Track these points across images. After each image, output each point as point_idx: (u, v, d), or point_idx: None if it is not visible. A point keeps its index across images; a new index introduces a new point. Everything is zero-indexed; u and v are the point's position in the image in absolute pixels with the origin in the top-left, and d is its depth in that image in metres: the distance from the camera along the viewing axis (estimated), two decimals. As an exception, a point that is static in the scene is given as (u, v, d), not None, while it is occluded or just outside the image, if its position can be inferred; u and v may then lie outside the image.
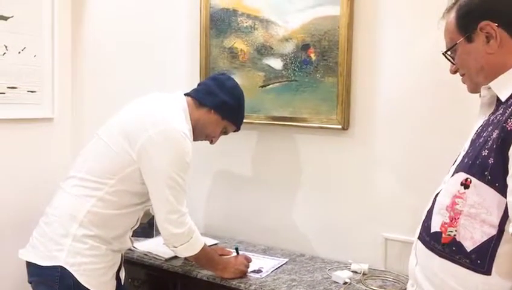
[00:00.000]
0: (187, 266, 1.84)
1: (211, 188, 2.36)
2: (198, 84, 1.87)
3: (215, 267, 1.76)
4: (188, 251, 1.66)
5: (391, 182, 1.88)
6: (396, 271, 1.82)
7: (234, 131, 1.88)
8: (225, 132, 1.85)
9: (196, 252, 1.67)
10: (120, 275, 1.70)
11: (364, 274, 1.80)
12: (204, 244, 1.71)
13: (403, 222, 1.83)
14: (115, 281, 1.65)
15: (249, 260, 1.83)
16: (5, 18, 1.96)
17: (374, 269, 1.85)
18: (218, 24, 2.20)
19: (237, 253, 1.89)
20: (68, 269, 1.51)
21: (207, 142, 1.86)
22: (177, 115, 1.65)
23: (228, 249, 1.98)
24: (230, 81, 1.82)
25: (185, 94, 1.77)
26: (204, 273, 1.78)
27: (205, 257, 1.73)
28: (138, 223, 1.75)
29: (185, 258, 1.82)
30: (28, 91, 2.06)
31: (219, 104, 1.75)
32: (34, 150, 2.06)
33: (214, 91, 1.75)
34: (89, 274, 1.54)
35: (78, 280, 1.52)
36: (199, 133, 1.76)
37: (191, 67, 2.30)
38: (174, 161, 1.58)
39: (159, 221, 1.61)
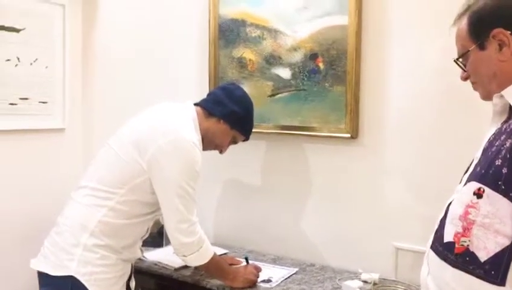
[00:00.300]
0: (196, 276, 1.84)
1: (220, 197, 2.36)
2: (208, 94, 1.88)
3: (225, 277, 1.75)
4: (197, 260, 1.67)
5: (401, 191, 1.87)
6: (408, 281, 1.80)
7: (243, 140, 1.88)
8: (234, 142, 1.86)
9: (206, 261, 1.67)
10: (130, 284, 1.71)
11: (374, 284, 1.78)
12: (214, 253, 1.72)
13: (414, 232, 1.81)
14: (125, 291, 1.66)
15: (258, 270, 1.82)
16: (17, 30, 2.00)
17: (385, 279, 1.83)
18: (227, 34, 2.22)
19: (247, 262, 1.89)
20: (79, 278, 1.52)
21: (216, 152, 1.87)
22: (187, 124, 1.66)
23: (238, 259, 1.98)
24: (239, 90, 1.83)
25: (194, 104, 1.79)
26: (214, 283, 1.78)
27: (215, 266, 1.73)
28: (148, 233, 1.76)
29: (195, 268, 1.83)
30: (40, 102, 2.09)
31: (228, 114, 1.75)
32: (45, 160, 2.09)
33: (222, 101, 1.76)
34: (99, 284, 1.55)
35: (89, 289, 1.52)
36: (208, 142, 1.77)
37: (200, 77, 2.32)
38: (184, 170, 1.59)
39: (169, 230, 1.62)
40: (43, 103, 2.10)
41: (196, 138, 1.65)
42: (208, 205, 2.35)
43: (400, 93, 1.85)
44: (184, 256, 1.64)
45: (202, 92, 2.23)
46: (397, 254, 1.87)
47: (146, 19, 2.37)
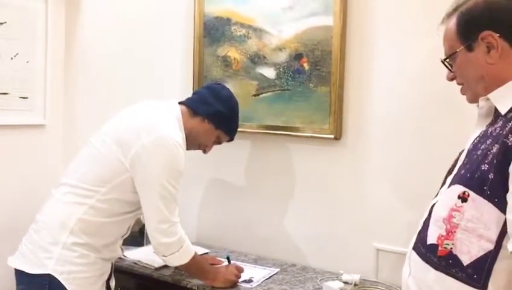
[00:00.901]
0: (177, 276, 1.82)
1: (203, 196, 2.35)
2: (193, 93, 1.87)
3: (205, 276, 1.75)
4: (177, 260, 1.65)
5: (383, 192, 1.88)
6: (388, 282, 1.81)
7: (228, 141, 1.88)
8: (218, 142, 1.85)
9: (186, 261, 1.66)
10: (110, 284, 1.69)
11: (355, 285, 1.79)
12: (195, 253, 1.70)
13: (395, 233, 1.83)
14: (105, 290, 1.63)
15: (240, 270, 1.82)
16: (-2, 24, 1.96)
17: (365, 280, 1.84)
18: (212, 32, 2.20)
19: (229, 262, 1.88)
20: (57, 277, 1.50)
21: (200, 151, 1.86)
22: (171, 123, 1.64)
23: (219, 259, 1.97)
24: (225, 90, 1.82)
25: (179, 102, 1.77)
26: (195, 283, 1.77)
27: (195, 266, 1.72)
28: (129, 232, 1.74)
29: (175, 267, 1.81)
30: (20, 97, 2.05)
31: (213, 114, 1.74)
32: (25, 157, 2.05)
33: (208, 100, 1.75)
34: (78, 283, 1.52)
35: (67, 288, 1.50)
36: (192, 142, 1.75)
37: (185, 75, 2.30)
38: (166, 169, 1.57)
39: (149, 230, 1.60)
40: (24, 98, 2.06)
41: (180, 137, 1.63)
42: (190, 205, 2.33)
43: (384, 95, 1.86)
44: (164, 256, 1.63)
45: (186, 90, 2.22)
46: (378, 255, 1.88)
47: (130, 15, 2.34)
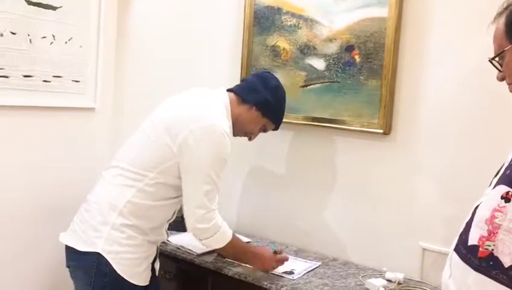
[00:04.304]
0: (218, 263, 1.84)
1: (245, 185, 2.35)
2: (242, 81, 1.87)
3: (244, 259, 1.78)
4: (213, 244, 1.68)
5: (431, 190, 1.83)
6: (433, 282, 1.76)
7: (273, 130, 1.88)
8: (264, 130, 1.85)
9: (222, 245, 1.68)
10: (155, 266, 1.72)
11: (399, 284, 1.75)
12: (233, 237, 1.70)
13: (442, 232, 1.78)
14: (150, 273, 1.66)
15: (279, 263, 1.80)
16: (54, 8, 2.00)
17: (410, 279, 1.80)
18: (262, 21, 2.19)
19: (275, 253, 1.86)
20: (105, 256, 1.54)
21: (244, 139, 1.86)
22: (219, 111, 1.65)
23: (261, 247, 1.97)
24: (274, 80, 1.82)
25: (228, 90, 1.78)
26: (236, 271, 1.78)
27: (232, 249, 1.73)
28: (174, 216, 1.77)
29: (218, 255, 1.85)
30: (72, 81, 2.10)
31: (261, 102, 1.75)
32: (76, 138, 2.11)
33: (257, 88, 1.76)
34: (124, 263, 1.56)
35: (114, 268, 1.54)
36: (239, 129, 1.77)
37: (233, 64, 2.30)
38: (213, 157, 1.59)
39: (185, 213, 1.63)
40: (76, 81, 2.11)
41: (227, 126, 1.64)
42: (232, 193, 2.35)
43: (437, 91, 1.80)
44: (200, 239, 1.66)
45: (234, 78, 2.22)
46: (423, 254, 1.83)
47: (181, 2, 2.36)
